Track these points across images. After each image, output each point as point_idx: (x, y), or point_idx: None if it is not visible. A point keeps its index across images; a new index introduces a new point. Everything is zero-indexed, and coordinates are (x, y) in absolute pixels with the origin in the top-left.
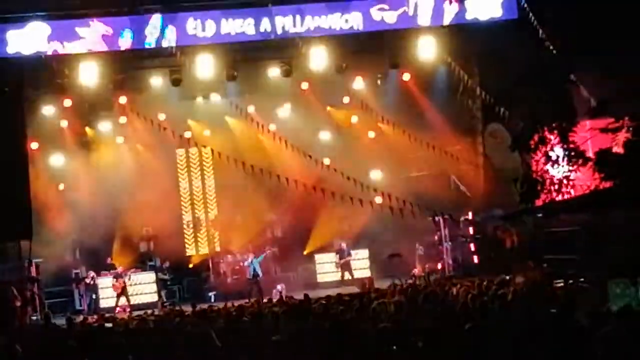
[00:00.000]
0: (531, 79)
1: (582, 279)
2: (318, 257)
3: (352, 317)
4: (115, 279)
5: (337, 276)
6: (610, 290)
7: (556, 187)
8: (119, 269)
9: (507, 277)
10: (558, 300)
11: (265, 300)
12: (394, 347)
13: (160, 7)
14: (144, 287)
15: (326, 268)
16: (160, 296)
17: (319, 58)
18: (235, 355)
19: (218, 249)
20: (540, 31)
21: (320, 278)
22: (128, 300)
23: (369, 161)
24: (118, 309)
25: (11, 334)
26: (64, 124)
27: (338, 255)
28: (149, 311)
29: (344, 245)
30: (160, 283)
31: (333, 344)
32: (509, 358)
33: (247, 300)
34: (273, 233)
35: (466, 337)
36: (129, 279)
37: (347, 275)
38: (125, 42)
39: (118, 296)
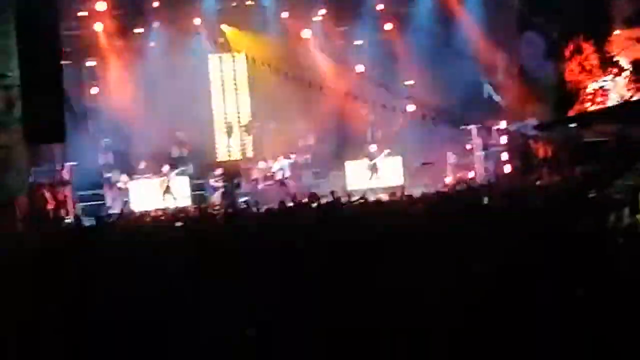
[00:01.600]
0: None
1: (614, 190)
2: (348, 164)
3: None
4: (161, 179)
5: (367, 184)
6: None
7: (590, 97)
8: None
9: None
10: (592, 210)
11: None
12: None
13: None
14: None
15: (357, 175)
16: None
17: None
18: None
19: (250, 155)
20: None
21: (350, 185)
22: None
23: (403, 70)
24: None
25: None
26: (98, 27)
27: (367, 158)
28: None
29: (372, 149)
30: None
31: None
32: (545, 266)
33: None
34: (305, 140)
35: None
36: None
37: (374, 177)
38: None
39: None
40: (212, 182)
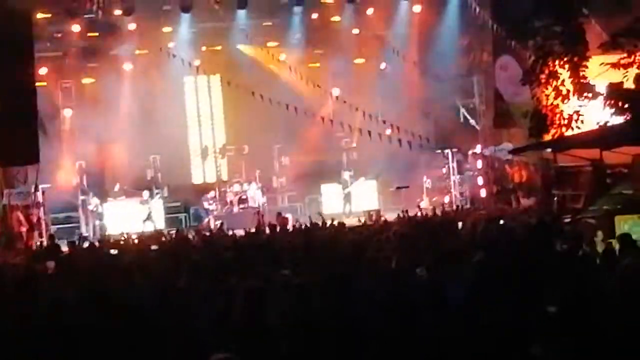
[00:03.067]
0: (544, 12)
1: (589, 215)
2: (325, 188)
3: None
4: (141, 204)
5: (344, 207)
6: (618, 226)
7: (566, 122)
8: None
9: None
10: (565, 235)
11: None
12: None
13: None
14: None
15: (333, 199)
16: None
17: None
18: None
19: (225, 177)
20: None
21: (327, 209)
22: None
23: (379, 93)
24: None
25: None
26: (72, 49)
27: (341, 186)
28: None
29: (346, 176)
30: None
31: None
32: (517, 291)
33: (250, 229)
34: (281, 163)
35: (472, 271)
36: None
37: (347, 207)
38: None
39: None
40: (205, 205)
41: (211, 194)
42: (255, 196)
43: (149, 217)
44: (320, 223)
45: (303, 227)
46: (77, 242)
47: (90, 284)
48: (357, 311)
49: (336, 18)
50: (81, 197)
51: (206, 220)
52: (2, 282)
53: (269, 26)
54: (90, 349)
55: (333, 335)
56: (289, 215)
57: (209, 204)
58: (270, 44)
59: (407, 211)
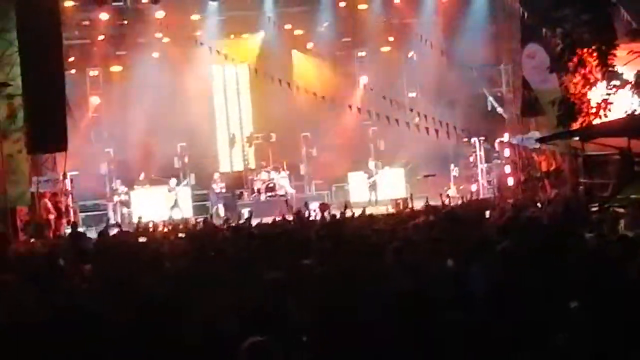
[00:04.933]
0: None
1: (617, 204)
2: (352, 176)
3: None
4: (168, 192)
5: (370, 196)
6: None
7: (594, 110)
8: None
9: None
10: (592, 224)
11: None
12: (427, 267)
13: None
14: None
15: (360, 187)
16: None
17: None
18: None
19: (252, 166)
20: None
21: (354, 197)
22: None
23: (406, 81)
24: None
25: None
26: (101, 37)
27: (367, 175)
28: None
29: (372, 164)
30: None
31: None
32: (542, 281)
33: (278, 218)
34: (308, 151)
35: (498, 260)
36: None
37: (373, 195)
38: None
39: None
40: (214, 186)
41: (216, 175)
42: (283, 184)
43: (175, 205)
44: (346, 211)
45: (329, 217)
46: (105, 230)
47: (117, 272)
48: (380, 301)
49: (364, 6)
50: (109, 185)
51: (215, 207)
52: (28, 272)
53: (297, 14)
54: (116, 339)
55: (356, 326)
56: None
57: (221, 188)
58: (297, 32)
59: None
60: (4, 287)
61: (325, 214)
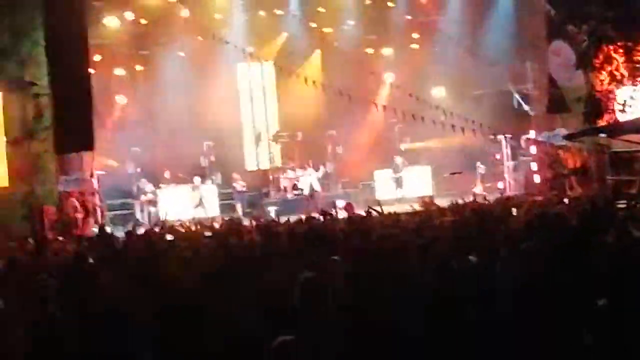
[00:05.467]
0: None
1: None
2: (378, 174)
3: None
4: (192, 190)
5: (396, 193)
6: None
7: (620, 107)
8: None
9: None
10: (619, 221)
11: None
12: (453, 264)
13: None
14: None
15: (386, 185)
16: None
17: None
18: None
19: (279, 164)
20: None
21: (380, 195)
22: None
23: (432, 78)
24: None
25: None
26: (126, 37)
27: (392, 170)
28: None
29: (399, 160)
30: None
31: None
32: (568, 277)
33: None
34: (334, 149)
35: (523, 258)
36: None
37: (399, 192)
38: None
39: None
40: (235, 185)
41: (235, 175)
42: (310, 182)
43: (200, 203)
44: (372, 209)
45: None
46: (132, 229)
47: (144, 271)
48: (406, 299)
49: (390, 4)
50: (136, 184)
51: (238, 205)
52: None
53: (323, 12)
54: (142, 337)
55: (382, 323)
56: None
57: (242, 187)
58: (323, 30)
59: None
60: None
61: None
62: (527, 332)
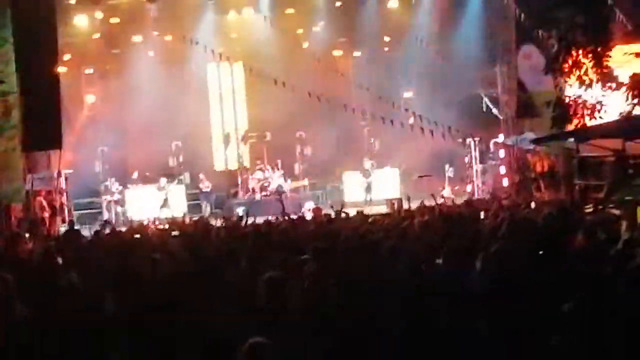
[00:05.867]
0: (568, 1)
1: (611, 205)
2: (346, 176)
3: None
4: (157, 190)
5: (364, 196)
6: None
7: (589, 111)
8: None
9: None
10: (587, 226)
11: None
12: (422, 266)
13: None
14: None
15: (354, 187)
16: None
17: None
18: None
19: (247, 165)
20: None
21: (348, 197)
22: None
23: (401, 81)
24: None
25: (47, 241)
26: (96, 35)
27: (362, 175)
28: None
29: (368, 164)
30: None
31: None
32: (537, 280)
33: (273, 217)
34: (303, 150)
35: (491, 261)
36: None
37: (368, 196)
38: None
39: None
40: (200, 186)
41: (202, 175)
42: (278, 183)
43: (165, 204)
44: (341, 211)
45: (324, 217)
46: (100, 229)
47: (113, 270)
48: (374, 301)
49: (360, 6)
50: (103, 183)
51: (204, 205)
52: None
53: (292, 14)
54: (113, 336)
55: (350, 325)
56: (310, 204)
57: (206, 187)
58: (293, 31)
59: (432, 199)
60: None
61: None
62: (495, 334)
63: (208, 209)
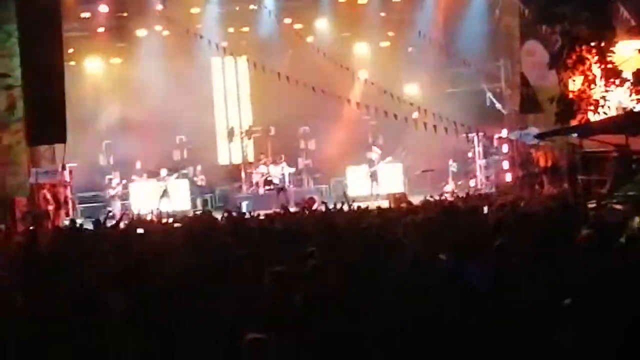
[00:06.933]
0: None
1: (615, 201)
2: (350, 170)
3: (383, 231)
4: (157, 181)
5: (368, 190)
6: None
7: (592, 107)
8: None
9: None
10: (590, 221)
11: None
12: (424, 261)
13: None
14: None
15: (359, 181)
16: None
17: None
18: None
19: (251, 159)
20: None
21: (352, 191)
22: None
23: (405, 76)
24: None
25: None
26: (101, 29)
27: (367, 165)
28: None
29: (373, 155)
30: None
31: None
32: (539, 275)
33: (275, 210)
34: (307, 145)
35: (494, 256)
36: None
37: (373, 189)
38: None
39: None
40: (194, 179)
41: (198, 167)
42: (282, 178)
43: (164, 194)
44: (345, 204)
45: (325, 209)
46: (104, 221)
47: (116, 263)
48: (377, 295)
49: (363, 0)
50: (107, 177)
51: (198, 199)
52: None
53: (296, 8)
54: (116, 329)
55: (352, 319)
56: (314, 196)
57: (201, 181)
58: (297, 25)
59: (433, 195)
60: None
61: (316, 206)
62: (497, 328)
63: (200, 202)
